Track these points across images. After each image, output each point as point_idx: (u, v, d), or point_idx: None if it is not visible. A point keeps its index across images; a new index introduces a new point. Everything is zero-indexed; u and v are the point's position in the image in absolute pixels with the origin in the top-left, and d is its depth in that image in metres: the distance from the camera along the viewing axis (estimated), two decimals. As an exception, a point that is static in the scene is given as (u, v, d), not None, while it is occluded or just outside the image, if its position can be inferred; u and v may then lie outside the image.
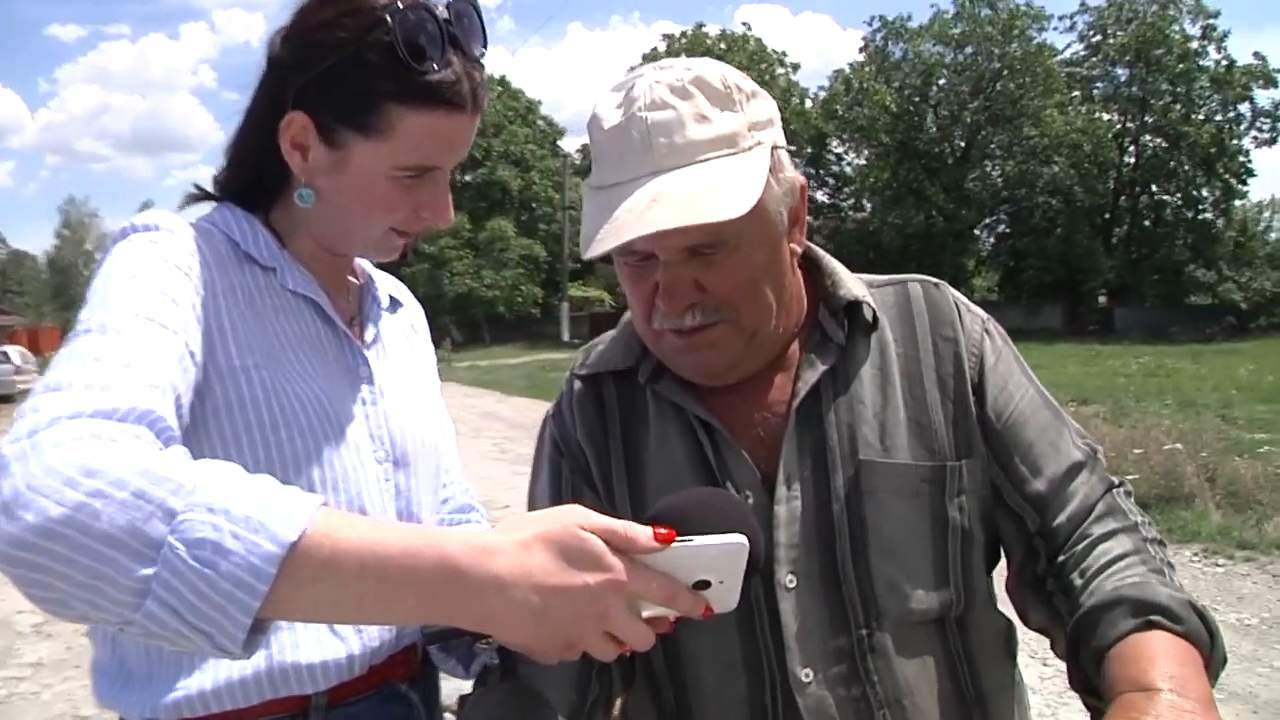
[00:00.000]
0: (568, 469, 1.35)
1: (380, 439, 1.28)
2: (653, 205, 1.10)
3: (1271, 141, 46.79)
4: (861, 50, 49.39)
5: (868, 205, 49.61)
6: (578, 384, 1.38)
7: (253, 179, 1.29)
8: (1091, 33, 47.96)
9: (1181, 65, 44.97)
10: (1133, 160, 47.95)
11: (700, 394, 1.30)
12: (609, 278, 49.67)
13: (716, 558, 0.89)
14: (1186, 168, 46.06)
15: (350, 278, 1.39)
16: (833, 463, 1.24)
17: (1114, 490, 1.29)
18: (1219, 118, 46.69)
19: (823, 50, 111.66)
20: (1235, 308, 44.77)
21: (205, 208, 1.31)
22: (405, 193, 1.23)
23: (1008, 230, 49.49)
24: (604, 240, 1.11)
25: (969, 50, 47.06)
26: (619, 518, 0.90)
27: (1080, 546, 1.23)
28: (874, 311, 1.30)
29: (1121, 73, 47.37)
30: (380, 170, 1.21)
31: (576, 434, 1.34)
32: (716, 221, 1.09)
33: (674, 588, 0.89)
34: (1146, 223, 47.87)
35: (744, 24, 69.89)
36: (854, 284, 1.33)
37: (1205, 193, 47.22)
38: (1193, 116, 45.64)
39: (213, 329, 1.14)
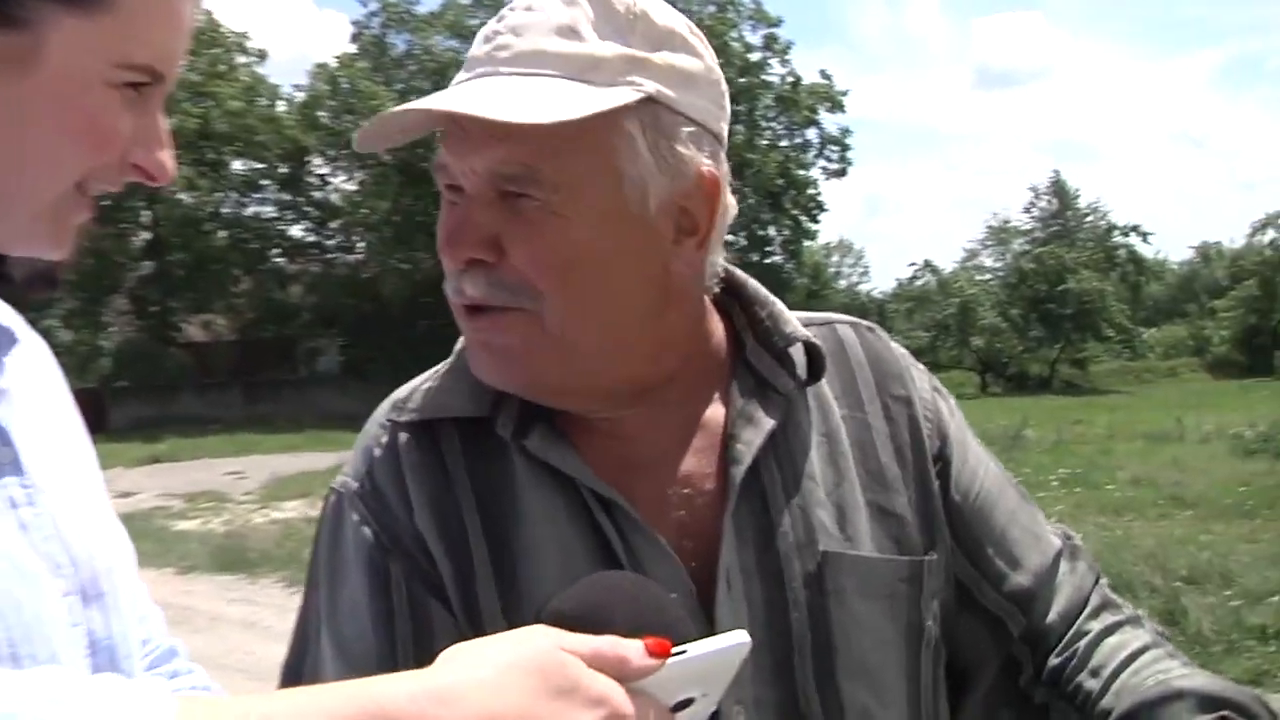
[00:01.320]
0: (400, 573, 1.17)
1: (54, 559, 1.02)
2: (458, 95, 1.09)
3: (841, 173, 50.33)
4: (353, 39, 48.08)
5: (361, 245, 48.28)
6: (403, 437, 1.22)
7: None
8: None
9: (744, 79, 46.85)
10: (690, 192, 51.96)
11: (585, 454, 1.18)
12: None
13: (711, 667, 0.85)
14: (752, 201, 47.82)
15: None
16: (786, 555, 1.18)
17: (1101, 581, 1.34)
18: (785, 144, 49.86)
19: (297, 36, 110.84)
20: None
21: None
22: (126, 117, 0.99)
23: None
24: (370, 127, 1.11)
25: (490, 48, 48.49)
26: (486, 634, 0.85)
27: (1082, 644, 1.27)
28: (823, 357, 1.24)
29: (673, 85, 51.36)
30: (95, 69, 0.96)
31: (412, 518, 1.18)
32: (530, 145, 1.07)
33: (664, 716, 0.83)
34: (708, 268, 52.09)
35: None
36: (795, 319, 1.27)
37: (773, 231, 50.20)
38: (757, 141, 48.19)
39: None
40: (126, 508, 15.52)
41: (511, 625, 1.04)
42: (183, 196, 41.41)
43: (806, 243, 52.78)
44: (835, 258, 69.67)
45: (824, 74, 52.71)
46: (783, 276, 49.98)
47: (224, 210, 45.44)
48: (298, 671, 1.24)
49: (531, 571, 1.17)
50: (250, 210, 46.72)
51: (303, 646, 1.25)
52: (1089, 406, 32.06)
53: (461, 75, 1.14)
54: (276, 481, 18.58)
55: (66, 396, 1.25)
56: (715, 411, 1.24)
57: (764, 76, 49.34)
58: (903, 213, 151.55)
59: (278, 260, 46.95)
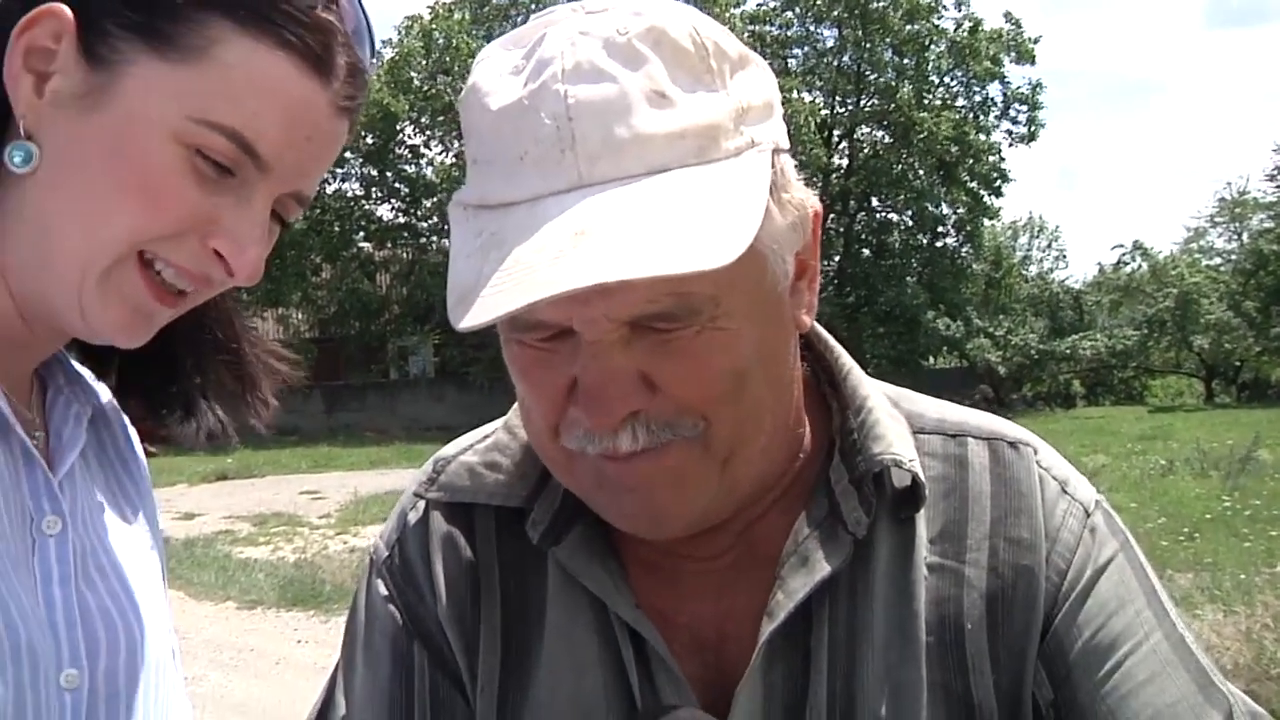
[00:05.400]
0: (424, 659, 1.24)
1: (70, 650, 1.12)
2: (579, 242, 0.99)
3: (1030, 137, 49.51)
4: (448, -15, 48.24)
5: (462, 226, 48.96)
6: (435, 517, 1.28)
7: None
8: (787, -24, 48.88)
9: (911, 26, 46.54)
10: (845, 161, 49.34)
11: (626, 564, 1.20)
12: None
13: None
14: (920, 172, 47.77)
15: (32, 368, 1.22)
16: None
17: None
18: (962, 102, 49.05)
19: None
20: (991, 372, 48.37)
21: None
22: (193, 186, 1.08)
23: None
24: (495, 300, 0.99)
25: (612, -6, 48.29)
26: None
27: None
28: (921, 489, 1.18)
29: (828, 35, 48.50)
30: (165, 117, 1.06)
31: (436, 606, 1.24)
32: (689, 275, 0.97)
33: None
34: (866, 252, 49.75)
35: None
36: (895, 430, 1.20)
37: (946, 208, 49.46)
38: (927, 99, 47.27)
39: None
40: (188, 531, 15.91)
41: None
42: (254, 172, 42.04)
43: (987, 221, 51.92)
44: (1022, 239, 68.52)
45: (1009, 16, 51.53)
46: (957, 262, 49.51)
47: (301, 188, 45.99)
48: None
49: (538, 694, 1.20)
50: (331, 188, 47.38)
51: (325, 706, 1.31)
52: (1348, 422, 30.82)
53: (533, 187, 1.03)
54: (357, 503, 18.84)
55: (145, 481, 1.35)
56: (778, 540, 1.20)
57: (936, 21, 48.52)
58: (1108, 184, 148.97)
59: (363, 245, 47.48)
